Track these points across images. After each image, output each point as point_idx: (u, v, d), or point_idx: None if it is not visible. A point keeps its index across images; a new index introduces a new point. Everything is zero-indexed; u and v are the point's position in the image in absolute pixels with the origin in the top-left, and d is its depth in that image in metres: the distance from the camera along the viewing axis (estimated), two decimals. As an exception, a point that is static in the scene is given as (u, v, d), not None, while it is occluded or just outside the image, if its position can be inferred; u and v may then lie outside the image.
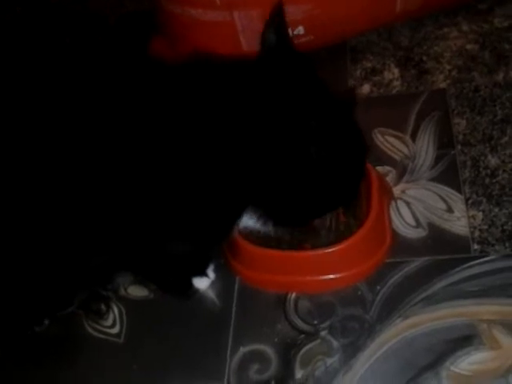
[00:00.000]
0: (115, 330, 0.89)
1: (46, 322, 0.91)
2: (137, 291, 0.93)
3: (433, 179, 0.97)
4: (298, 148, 0.73)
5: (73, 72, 0.76)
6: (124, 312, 0.91)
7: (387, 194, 0.96)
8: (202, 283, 0.91)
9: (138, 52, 0.91)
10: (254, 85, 0.74)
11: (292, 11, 1.12)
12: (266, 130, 0.73)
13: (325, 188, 0.79)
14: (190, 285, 0.90)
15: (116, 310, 0.92)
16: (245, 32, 1.15)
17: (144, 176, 0.72)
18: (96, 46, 0.83)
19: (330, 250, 0.87)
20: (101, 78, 0.75)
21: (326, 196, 0.81)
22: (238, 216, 0.82)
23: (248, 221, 0.83)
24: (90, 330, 0.90)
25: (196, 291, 0.91)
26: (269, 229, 0.86)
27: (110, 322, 0.91)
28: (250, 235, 0.89)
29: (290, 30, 0.79)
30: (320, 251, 0.88)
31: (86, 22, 0.91)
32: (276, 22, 0.76)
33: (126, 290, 0.93)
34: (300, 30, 1.15)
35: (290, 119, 0.72)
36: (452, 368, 0.78)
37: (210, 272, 0.92)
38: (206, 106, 0.73)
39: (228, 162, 0.74)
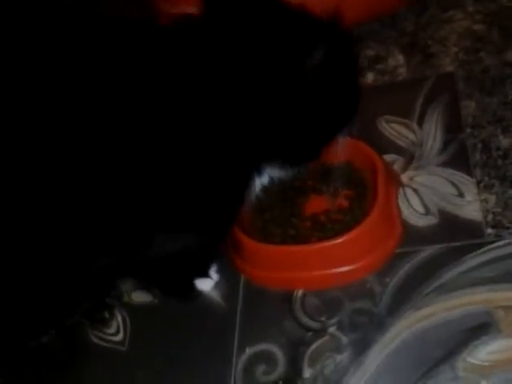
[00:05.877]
0: (119, 338, 0.87)
1: (51, 331, 0.89)
2: (140, 297, 0.91)
3: (442, 164, 0.93)
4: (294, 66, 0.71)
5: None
6: (128, 319, 0.89)
7: (395, 183, 0.92)
8: (205, 285, 0.88)
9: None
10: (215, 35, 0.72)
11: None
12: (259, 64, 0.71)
13: (326, 107, 0.75)
14: (193, 287, 0.88)
15: (119, 317, 0.89)
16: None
17: (141, 159, 0.69)
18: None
19: (336, 242, 0.83)
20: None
21: (330, 116, 0.77)
22: (246, 186, 0.79)
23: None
24: (94, 339, 0.88)
25: (199, 293, 0.88)
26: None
27: (113, 329, 0.88)
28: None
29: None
30: (327, 243, 0.84)
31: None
32: None
33: (129, 296, 0.91)
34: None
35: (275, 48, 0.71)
36: (469, 359, 0.73)
37: (213, 273, 0.89)
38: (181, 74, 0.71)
39: (228, 121, 0.71)
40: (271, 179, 0.81)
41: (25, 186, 0.68)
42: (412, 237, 0.86)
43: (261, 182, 0.79)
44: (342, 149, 0.83)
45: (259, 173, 0.78)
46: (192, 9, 1.13)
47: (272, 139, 0.74)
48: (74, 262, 0.76)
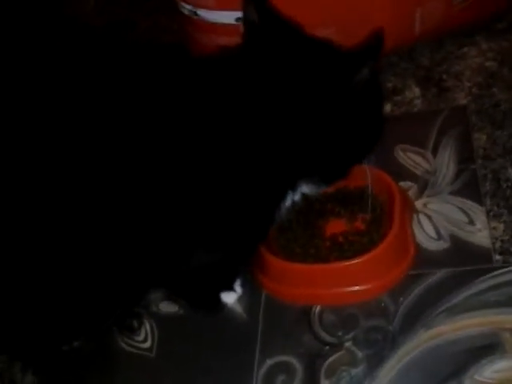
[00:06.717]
0: (147, 345, 0.93)
1: (84, 336, 0.95)
2: (168, 307, 0.96)
3: (454, 193, 0.99)
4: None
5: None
6: (155, 327, 0.95)
7: (409, 208, 0.98)
8: (229, 298, 0.94)
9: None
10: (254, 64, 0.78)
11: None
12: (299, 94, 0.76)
13: (364, 125, 0.82)
14: (218, 300, 0.93)
15: (148, 326, 0.95)
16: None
17: (187, 180, 0.75)
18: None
19: (354, 262, 0.89)
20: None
21: (366, 135, 0.84)
22: (279, 200, 0.84)
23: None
24: (123, 345, 0.94)
25: (224, 306, 0.94)
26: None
27: (142, 336, 0.94)
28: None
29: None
30: (345, 263, 0.90)
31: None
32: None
33: (157, 306, 0.97)
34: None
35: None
36: (476, 377, 0.78)
37: (238, 287, 0.94)
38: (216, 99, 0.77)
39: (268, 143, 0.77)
40: (302, 196, 0.87)
41: (81, 203, 0.74)
42: (424, 260, 0.92)
43: (293, 198, 0.85)
44: (367, 174, 0.90)
45: (294, 190, 0.84)
46: (224, 39, 1.20)
47: (315, 156, 0.81)
48: (117, 272, 0.81)
